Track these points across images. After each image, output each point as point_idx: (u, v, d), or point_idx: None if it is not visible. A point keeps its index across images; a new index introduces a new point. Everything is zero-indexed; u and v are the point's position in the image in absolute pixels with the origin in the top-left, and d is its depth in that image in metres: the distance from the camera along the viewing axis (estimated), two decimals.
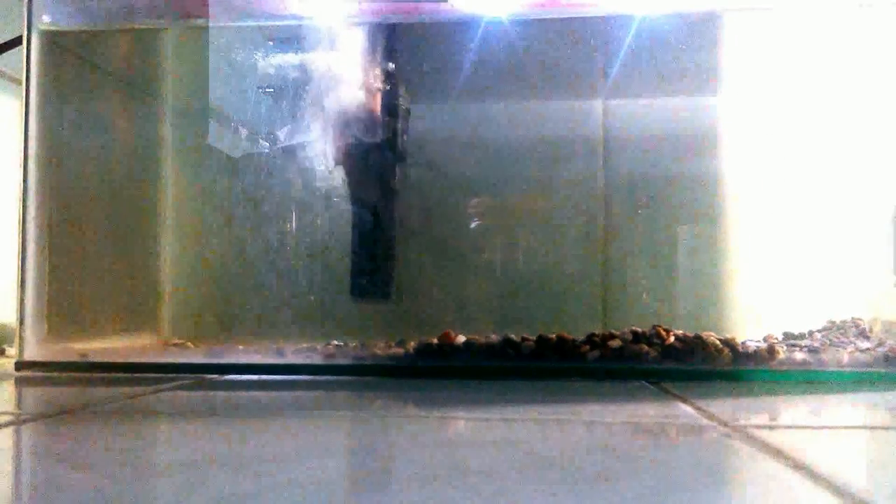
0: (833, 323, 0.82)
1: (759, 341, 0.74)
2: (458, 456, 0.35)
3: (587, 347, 0.70)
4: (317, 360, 0.72)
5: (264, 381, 0.67)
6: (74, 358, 0.74)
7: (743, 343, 0.70)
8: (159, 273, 0.92)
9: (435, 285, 0.90)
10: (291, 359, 0.72)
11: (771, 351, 0.68)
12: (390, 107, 0.86)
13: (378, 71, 0.85)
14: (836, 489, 0.30)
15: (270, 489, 0.29)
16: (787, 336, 0.80)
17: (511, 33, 0.79)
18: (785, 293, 0.84)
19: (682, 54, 0.83)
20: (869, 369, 0.66)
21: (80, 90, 0.82)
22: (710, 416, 0.47)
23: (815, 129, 0.85)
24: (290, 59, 0.83)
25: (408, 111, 0.88)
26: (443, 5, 0.77)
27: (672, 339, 0.70)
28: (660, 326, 0.71)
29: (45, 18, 0.76)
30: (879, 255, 0.81)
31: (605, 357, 0.69)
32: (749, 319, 0.84)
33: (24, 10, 0.75)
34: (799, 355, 0.68)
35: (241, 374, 0.71)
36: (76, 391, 0.60)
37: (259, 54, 0.84)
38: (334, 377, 0.69)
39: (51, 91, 0.76)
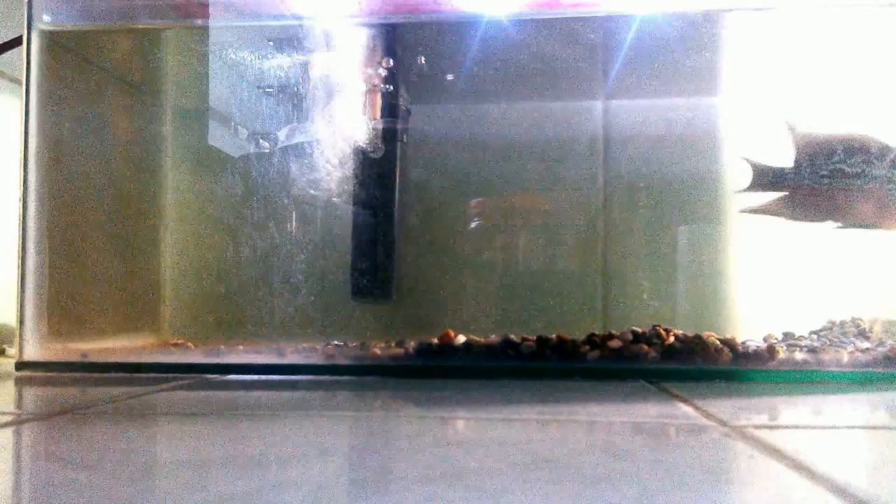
0: (833, 323, 0.82)
1: (759, 341, 0.74)
2: (458, 456, 0.35)
3: (587, 347, 0.70)
4: (317, 360, 0.72)
5: (264, 381, 0.67)
6: (74, 358, 0.74)
7: (743, 343, 0.70)
8: (159, 273, 0.92)
9: (435, 285, 0.90)
10: (291, 359, 0.72)
11: (771, 351, 0.68)
12: (390, 107, 0.86)
13: (378, 71, 0.85)
14: (837, 489, 0.30)
15: (270, 489, 0.29)
16: (787, 336, 0.80)
17: (511, 33, 0.79)
18: (785, 293, 0.84)
19: (682, 54, 0.83)
20: (869, 369, 0.66)
21: (80, 90, 0.82)
22: (710, 416, 0.47)
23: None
24: (290, 58, 0.83)
25: (408, 111, 0.88)
26: (443, 5, 0.77)
27: (672, 339, 0.70)
28: (660, 326, 0.71)
29: (45, 18, 0.76)
30: (880, 254, 0.81)
31: (605, 357, 0.69)
32: (749, 319, 0.84)
33: (25, 10, 0.75)
34: (799, 355, 0.68)
35: (242, 374, 0.71)
36: (76, 391, 0.60)
37: (259, 54, 0.84)
38: (334, 377, 0.69)
39: (51, 91, 0.76)
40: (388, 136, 0.86)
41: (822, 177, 0.67)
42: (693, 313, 0.87)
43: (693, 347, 0.68)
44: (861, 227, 0.68)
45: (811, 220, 0.70)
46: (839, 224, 0.69)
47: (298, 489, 0.29)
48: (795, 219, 0.71)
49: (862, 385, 0.64)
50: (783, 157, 0.76)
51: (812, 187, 0.67)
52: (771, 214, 0.72)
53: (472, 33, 0.80)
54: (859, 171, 0.65)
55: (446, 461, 0.34)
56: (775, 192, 0.70)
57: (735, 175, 0.87)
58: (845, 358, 0.67)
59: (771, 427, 0.44)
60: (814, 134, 0.69)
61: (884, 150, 0.65)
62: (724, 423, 0.44)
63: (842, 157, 0.66)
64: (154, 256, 0.92)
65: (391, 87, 0.85)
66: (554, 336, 0.71)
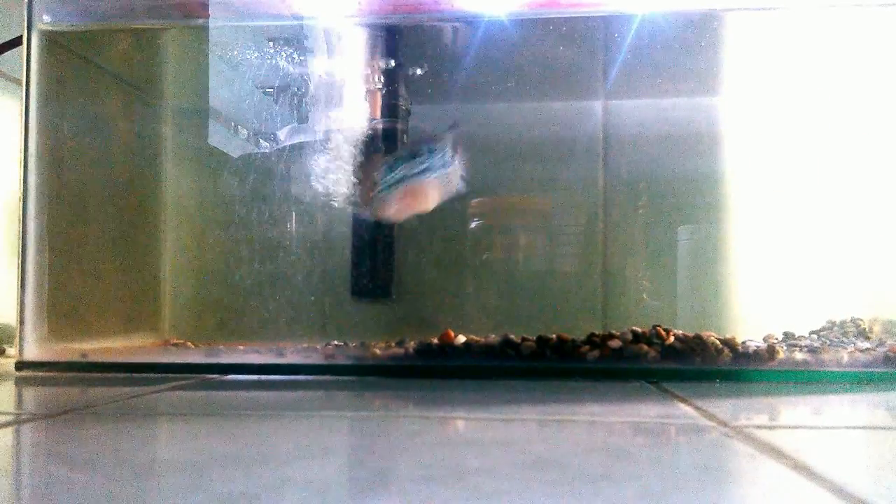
0: (833, 323, 0.82)
1: (759, 341, 0.74)
2: (458, 456, 0.35)
3: (587, 347, 0.70)
4: (317, 360, 0.72)
5: (264, 381, 0.67)
6: (74, 358, 0.74)
7: (743, 343, 0.70)
8: (159, 273, 0.92)
9: (435, 285, 0.90)
10: (291, 359, 0.72)
11: (771, 351, 0.68)
12: (390, 107, 0.86)
13: (378, 71, 0.85)
14: (837, 489, 0.30)
15: (270, 489, 0.29)
16: (788, 336, 0.80)
17: (511, 33, 0.79)
18: (785, 293, 0.84)
19: (682, 54, 0.83)
20: (869, 369, 0.66)
21: (80, 90, 0.82)
22: (710, 416, 0.47)
23: (815, 129, 0.85)
24: (290, 58, 0.83)
25: (408, 111, 0.88)
26: (443, 5, 0.77)
27: (672, 339, 0.70)
28: (660, 326, 0.71)
29: (45, 18, 0.76)
30: (880, 254, 0.81)
31: (605, 357, 0.69)
32: (749, 319, 0.84)
33: (25, 9, 0.75)
34: (799, 355, 0.68)
35: (242, 374, 0.70)
36: (76, 391, 0.60)
37: (259, 54, 0.84)
38: (334, 377, 0.69)
39: (51, 91, 0.76)
40: (388, 136, 0.86)
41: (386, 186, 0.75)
42: (693, 313, 0.87)
43: (693, 347, 0.68)
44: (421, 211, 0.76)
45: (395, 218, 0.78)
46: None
47: (298, 489, 0.29)
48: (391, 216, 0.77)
49: (862, 385, 0.64)
50: None
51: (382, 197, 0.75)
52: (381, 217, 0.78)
53: (473, 33, 0.81)
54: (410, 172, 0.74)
55: (446, 461, 0.34)
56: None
57: (735, 175, 0.87)
58: (845, 358, 0.67)
59: (771, 427, 0.44)
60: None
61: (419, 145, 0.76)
62: (724, 423, 0.44)
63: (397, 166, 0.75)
64: (154, 256, 0.92)
65: (391, 88, 0.85)
66: (554, 336, 0.71)
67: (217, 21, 0.80)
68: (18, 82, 0.75)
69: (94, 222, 0.83)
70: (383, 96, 0.85)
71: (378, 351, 0.73)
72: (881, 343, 0.74)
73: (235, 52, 0.84)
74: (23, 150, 0.74)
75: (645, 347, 0.69)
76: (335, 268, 0.86)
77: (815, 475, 0.32)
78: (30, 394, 0.61)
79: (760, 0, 0.78)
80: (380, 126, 0.85)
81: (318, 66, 0.83)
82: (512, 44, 0.81)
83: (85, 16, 0.79)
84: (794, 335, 0.80)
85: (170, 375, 0.70)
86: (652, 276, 0.88)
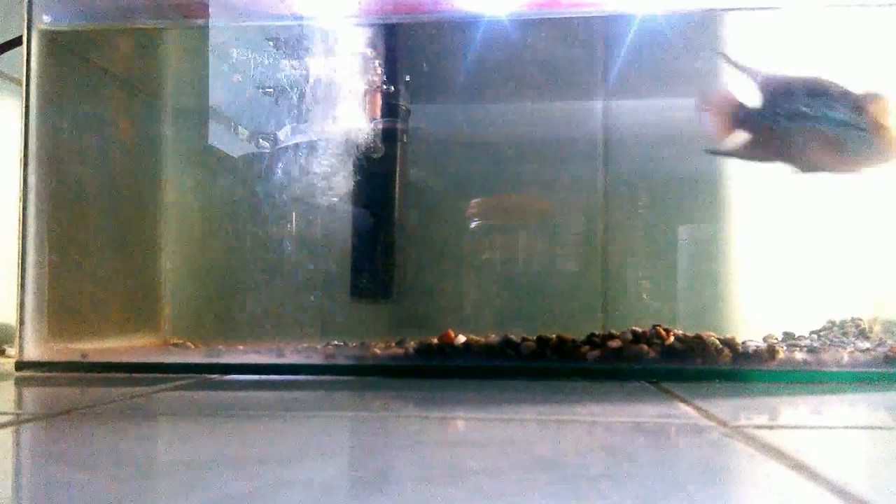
0: (833, 323, 0.82)
1: (759, 341, 0.74)
2: (458, 456, 0.35)
3: (587, 347, 0.70)
4: (317, 360, 0.72)
5: (264, 381, 0.67)
6: (74, 358, 0.74)
7: (743, 343, 0.70)
8: (159, 273, 0.92)
9: (435, 285, 0.90)
10: (291, 359, 0.72)
11: (771, 351, 0.68)
12: (390, 107, 0.86)
13: (378, 71, 0.85)
14: (837, 489, 0.30)
15: (270, 489, 0.29)
16: (788, 336, 0.80)
17: (511, 33, 0.79)
18: (785, 293, 0.84)
19: (683, 54, 0.83)
20: (869, 369, 0.66)
21: (81, 90, 0.82)
22: (710, 416, 0.47)
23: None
24: (290, 58, 0.83)
25: (408, 111, 0.88)
26: (443, 5, 0.77)
27: (672, 339, 0.70)
28: (660, 326, 0.71)
29: (45, 18, 0.76)
30: (880, 254, 0.81)
31: (605, 357, 0.69)
32: (749, 319, 0.84)
33: (24, 10, 0.75)
34: (799, 355, 0.68)
35: (242, 374, 0.70)
36: (76, 391, 0.60)
37: (259, 54, 0.84)
38: (334, 377, 0.69)
39: (51, 91, 0.76)
40: (388, 136, 0.86)
41: (784, 118, 0.67)
42: (693, 313, 0.86)
43: (693, 347, 0.68)
44: (817, 170, 0.68)
45: (768, 161, 0.70)
46: (795, 168, 0.69)
47: (298, 489, 0.29)
48: (753, 159, 0.72)
49: (862, 385, 0.64)
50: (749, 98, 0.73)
51: (773, 129, 0.67)
52: (733, 156, 0.72)
53: (472, 33, 0.80)
54: (819, 114, 0.66)
55: (446, 461, 0.34)
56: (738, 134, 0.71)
57: (735, 175, 0.87)
58: (845, 358, 0.67)
59: (771, 427, 0.44)
60: (776, 75, 0.69)
61: (843, 94, 0.66)
62: (724, 423, 0.44)
63: (803, 99, 0.66)
64: (154, 256, 0.92)
65: (391, 87, 0.85)
66: (554, 336, 0.71)
67: (217, 21, 0.80)
68: (18, 82, 0.75)
69: (94, 222, 0.83)
70: (383, 96, 0.85)
71: (378, 351, 0.73)
72: (881, 343, 0.74)
73: (235, 52, 0.84)
74: (23, 150, 0.74)
75: (645, 347, 0.69)
76: (335, 268, 0.86)
77: (816, 475, 0.32)
78: (30, 394, 0.61)
79: (761, 0, 0.78)
80: (380, 126, 0.85)
81: (317, 66, 0.83)
82: (512, 44, 0.81)
83: (85, 16, 0.79)
84: (794, 335, 0.80)
85: (170, 375, 0.70)
86: (652, 276, 0.88)
